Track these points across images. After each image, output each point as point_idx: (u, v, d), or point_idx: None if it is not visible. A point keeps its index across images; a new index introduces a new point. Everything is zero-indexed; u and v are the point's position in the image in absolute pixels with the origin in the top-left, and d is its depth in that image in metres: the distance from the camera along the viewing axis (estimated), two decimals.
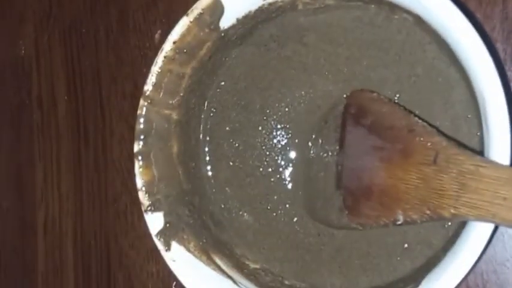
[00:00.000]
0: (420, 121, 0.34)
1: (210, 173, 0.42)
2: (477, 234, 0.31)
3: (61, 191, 0.50)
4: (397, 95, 0.38)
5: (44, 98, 0.51)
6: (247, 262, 0.40)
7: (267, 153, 0.41)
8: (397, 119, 0.35)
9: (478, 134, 0.35)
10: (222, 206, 0.41)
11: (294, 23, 0.39)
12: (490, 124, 0.31)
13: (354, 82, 0.38)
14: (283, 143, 0.41)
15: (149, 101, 0.37)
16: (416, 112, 0.36)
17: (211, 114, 0.41)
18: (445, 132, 0.35)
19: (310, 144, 0.40)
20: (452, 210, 0.30)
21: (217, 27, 0.37)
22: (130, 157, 0.38)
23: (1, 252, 0.52)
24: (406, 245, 0.37)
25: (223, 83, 0.41)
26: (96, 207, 0.48)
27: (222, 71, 0.41)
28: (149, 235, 0.37)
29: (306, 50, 0.39)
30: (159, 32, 0.46)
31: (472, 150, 0.32)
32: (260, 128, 0.41)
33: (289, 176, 0.41)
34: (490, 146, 0.31)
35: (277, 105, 0.40)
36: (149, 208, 0.37)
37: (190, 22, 0.37)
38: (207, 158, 0.42)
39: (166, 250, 0.37)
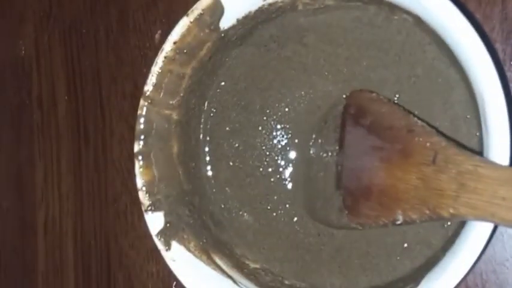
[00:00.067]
0: (419, 121, 0.34)
1: (210, 173, 0.42)
2: (476, 234, 0.31)
3: (61, 191, 0.50)
4: (397, 96, 0.38)
5: (44, 98, 0.51)
6: (247, 262, 0.40)
7: (267, 153, 0.41)
8: (396, 119, 0.35)
9: (477, 134, 0.35)
10: (222, 206, 0.41)
11: (294, 24, 0.39)
12: (490, 125, 0.31)
13: (354, 82, 0.39)
14: (283, 143, 0.41)
15: (149, 101, 0.37)
16: (416, 112, 0.36)
17: (212, 115, 0.41)
18: (445, 132, 0.35)
19: (310, 144, 0.40)
20: (451, 210, 0.30)
21: (217, 27, 0.37)
22: (131, 157, 0.38)
23: (1, 252, 0.52)
24: (405, 245, 0.37)
25: (223, 83, 0.41)
26: (96, 207, 0.48)
27: (222, 72, 0.41)
28: (149, 235, 0.37)
29: (306, 50, 0.39)
30: (159, 32, 0.46)
31: (471, 150, 0.32)
32: (260, 128, 0.41)
33: (289, 176, 0.41)
34: (489, 147, 0.31)
35: (277, 105, 0.41)
36: (149, 208, 0.37)
37: (191, 22, 0.37)
38: (207, 158, 0.42)
39: (166, 250, 0.37)
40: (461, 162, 0.30)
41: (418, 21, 0.35)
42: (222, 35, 0.38)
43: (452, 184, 0.30)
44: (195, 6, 0.37)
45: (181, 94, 0.38)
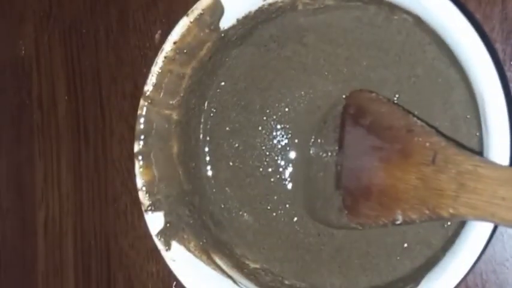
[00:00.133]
0: (419, 121, 0.34)
1: (210, 173, 0.42)
2: (476, 234, 0.31)
3: (61, 191, 0.50)
4: (397, 96, 0.38)
5: (44, 98, 0.51)
6: (247, 262, 0.40)
7: (267, 153, 0.41)
8: (395, 119, 0.35)
9: (477, 134, 0.35)
10: (222, 206, 0.41)
11: (294, 24, 0.39)
12: (489, 125, 0.31)
13: (354, 82, 0.39)
14: (283, 143, 0.41)
15: (149, 101, 0.37)
16: (416, 113, 0.36)
17: (211, 115, 0.41)
18: (444, 132, 0.35)
19: (310, 144, 0.40)
20: (451, 210, 0.30)
21: (217, 27, 0.37)
22: (131, 157, 0.38)
23: (1, 252, 0.52)
24: (405, 245, 0.37)
25: (223, 83, 0.41)
26: (96, 207, 0.48)
27: (222, 71, 0.41)
28: (149, 235, 0.37)
29: (306, 50, 0.39)
30: (159, 32, 0.47)
31: (471, 150, 0.32)
32: (260, 128, 0.41)
33: (289, 176, 0.41)
34: (489, 147, 0.31)
35: (277, 105, 0.41)
36: (149, 208, 0.37)
37: (191, 22, 0.37)
38: (207, 158, 0.42)
39: (166, 250, 0.37)
40: (461, 162, 0.30)
41: (418, 21, 0.35)
42: (222, 35, 0.38)
43: (452, 184, 0.30)
44: (195, 6, 0.37)
45: (181, 94, 0.38)
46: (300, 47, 0.40)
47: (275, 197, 0.41)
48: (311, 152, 0.40)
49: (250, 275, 0.39)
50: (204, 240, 0.38)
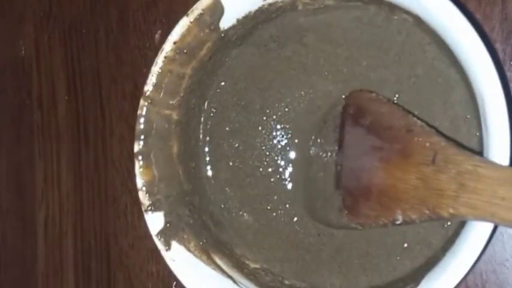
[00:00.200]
0: (419, 121, 0.34)
1: (210, 173, 0.42)
2: (476, 234, 0.31)
3: (61, 191, 0.50)
4: (397, 96, 0.38)
5: (44, 98, 0.51)
6: (247, 262, 0.40)
7: (267, 153, 0.41)
8: (395, 119, 0.35)
9: (477, 134, 0.35)
10: (222, 206, 0.41)
11: (294, 24, 0.39)
12: (489, 125, 0.31)
13: (354, 82, 0.39)
14: (283, 143, 0.41)
15: (149, 101, 0.37)
16: (416, 112, 0.36)
17: (211, 115, 0.41)
18: (444, 132, 0.35)
19: (309, 144, 0.40)
20: (451, 210, 0.30)
21: (217, 27, 0.37)
22: (131, 157, 0.38)
23: (1, 252, 0.52)
24: (405, 245, 0.37)
25: (223, 83, 0.41)
26: (96, 207, 0.48)
27: (222, 71, 0.41)
28: (149, 235, 0.37)
29: (306, 50, 0.39)
30: (159, 32, 0.47)
31: (471, 150, 0.32)
32: (260, 128, 0.41)
33: (289, 176, 0.41)
34: (489, 147, 0.31)
35: (277, 105, 0.41)
36: (149, 208, 0.37)
37: (191, 22, 0.37)
38: (207, 158, 0.42)
39: (166, 250, 0.37)
40: (461, 162, 0.30)
41: (418, 21, 0.35)
42: (222, 35, 0.38)
43: (452, 184, 0.30)
44: (195, 6, 0.37)
45: (181, 94, 0.38)
46: (300, 47, 0.40)
47: (275, 197, 0.41)
48: (311, 152, 0.40)
49: (250, 275, 0.39)
50: (204, 240, 0.38)
